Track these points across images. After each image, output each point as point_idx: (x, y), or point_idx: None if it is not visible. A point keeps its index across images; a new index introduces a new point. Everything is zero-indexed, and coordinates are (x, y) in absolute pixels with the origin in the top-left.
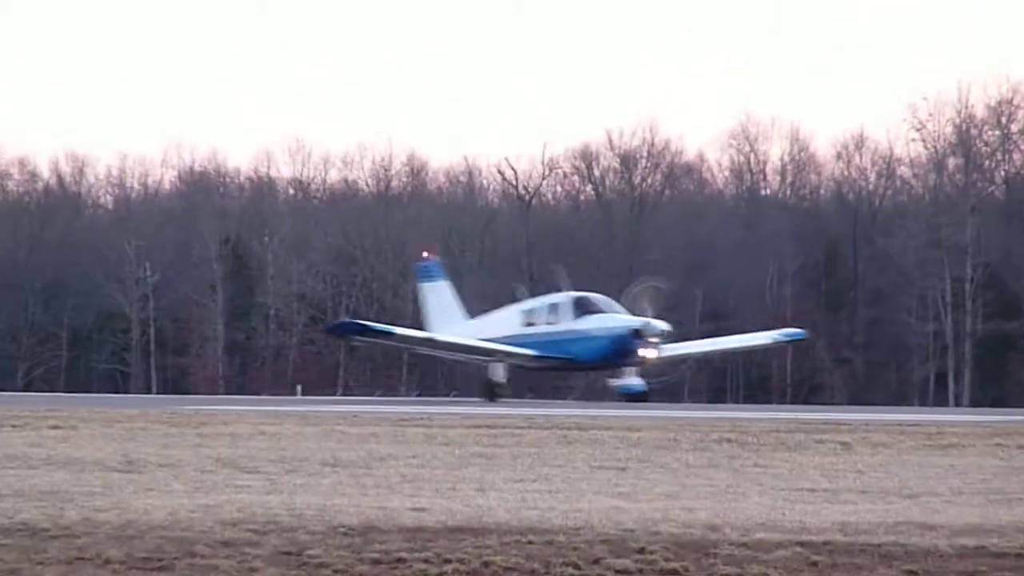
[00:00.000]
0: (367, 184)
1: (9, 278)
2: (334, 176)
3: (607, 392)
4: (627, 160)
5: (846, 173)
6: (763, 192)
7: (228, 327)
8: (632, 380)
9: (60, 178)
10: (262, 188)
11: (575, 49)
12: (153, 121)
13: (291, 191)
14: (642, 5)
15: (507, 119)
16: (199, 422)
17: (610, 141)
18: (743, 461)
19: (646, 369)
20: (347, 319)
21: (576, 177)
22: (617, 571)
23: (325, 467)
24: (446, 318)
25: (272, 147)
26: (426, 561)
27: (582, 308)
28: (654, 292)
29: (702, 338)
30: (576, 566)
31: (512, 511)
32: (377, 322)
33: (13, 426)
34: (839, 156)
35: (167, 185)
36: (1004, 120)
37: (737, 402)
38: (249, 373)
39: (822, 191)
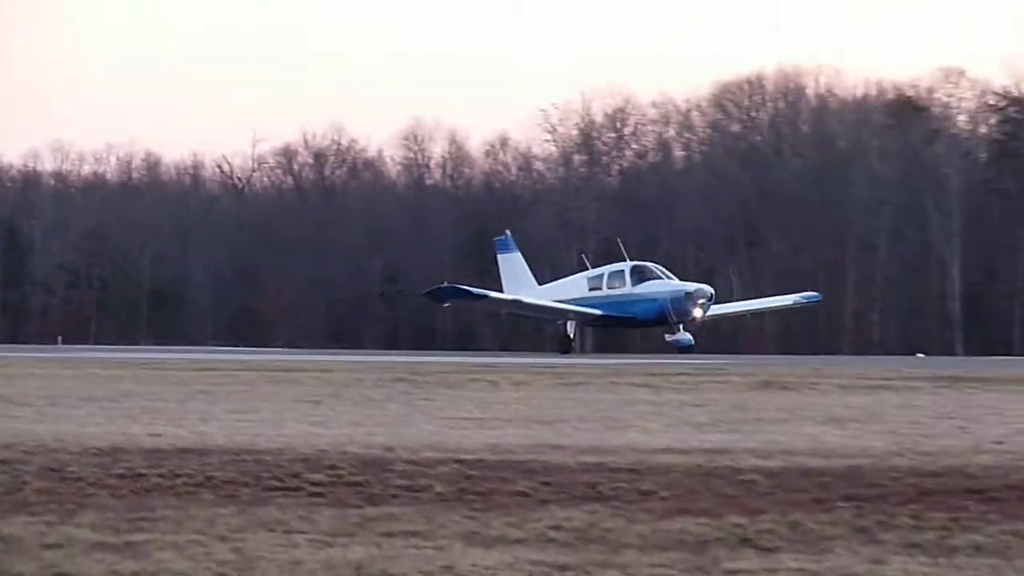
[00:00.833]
0: (113, 176)
1: None
2: (87, 170)
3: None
4: (319, 156)
5: (494, 167)
6: (428, 182)
7: (3, 291)
8: (683, 335)
9: None
10: (30, 180)
11: (276, 59)
12: None
13: (53, 182)
14: None
15: (226, 120)
16: None
17: (305, 140)
18: (413, 396)
19: (695, 326)
20: (448, 284)
21: (279, 170)
22: (312, 483)
23: (81, 401)
24: (520, 284)
25: (38, 146)
26: (161, 476)
27: (640, 275)
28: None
29: None
30: (280, 479)
31: (228, 436)
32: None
33: None
34: (488, 153)
35: None
36: (619, 125)
37: (409, 349)
38: (21, 327)
39: (474, 182)
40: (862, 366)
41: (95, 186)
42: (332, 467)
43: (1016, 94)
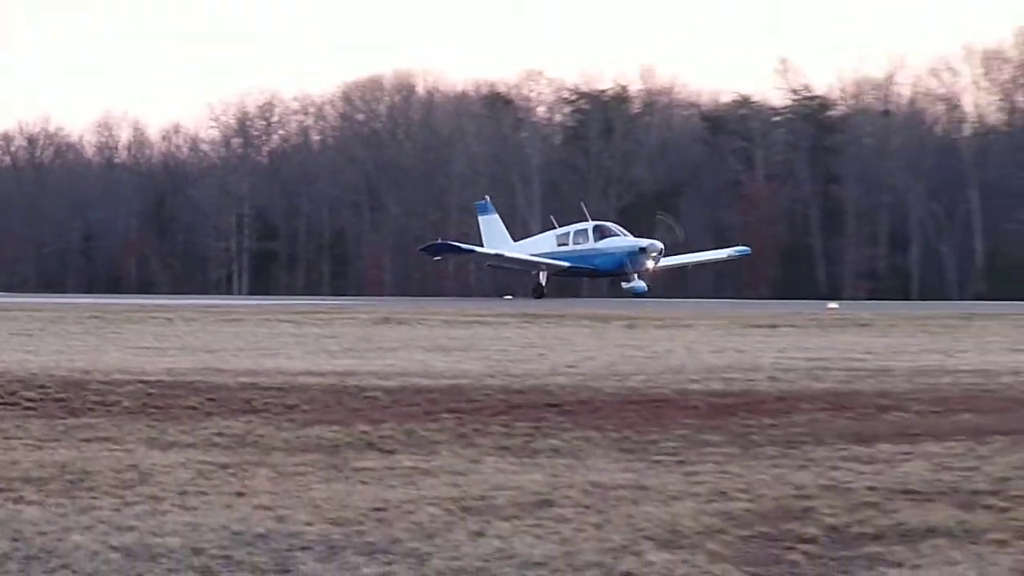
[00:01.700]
0: None
1: None
2: None
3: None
4: (31, 140)
5: (169, 149)
6: (116, 161)
7: None
8: (637, 283)
9: None
10: None
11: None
12: None
13: None
14: None
15: None
16: None
17: (20, 128)
18: (105, 330)
19: (646, 276)
20: (440, 241)
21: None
22: (26, 399)
23: None
24: (499, 241)
25: None
26: None
27: (601, 233)
28: (663, 224)
29: None
30: (0, 396)
31: None
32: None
33: None
34: (164, 137)
35: None
36: (267, 115)
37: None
38: None
39: (154, 160)
40: (462, 305)
41: None
42: (41, 386)
43: (585, 90)
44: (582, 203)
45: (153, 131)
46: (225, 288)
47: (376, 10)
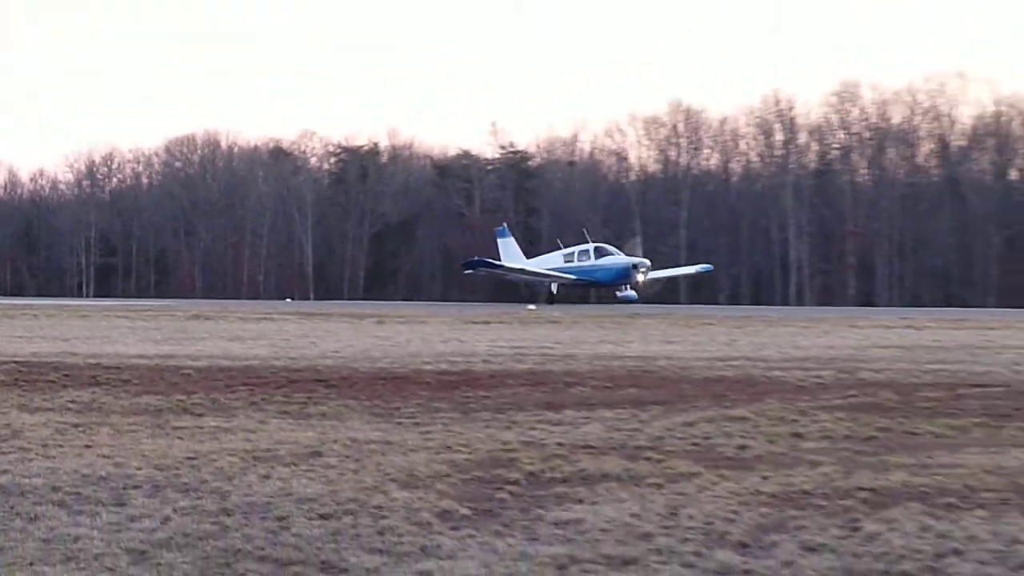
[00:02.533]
0: None
1: None
2: None
3: None
4: None
5: (38, 188)
6: None
7: None
8: (629, 292)
9: None
10: None
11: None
12: None
13: None
14: None
15: None
16: None
17: None
18: None
19: (638, 287)
20: (477, 259)
21: None
22: None
23: None
24: (515, 258)
25: None
26: None
27: (600, 252)
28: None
29: None
30: None
31: None
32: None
33: None
34: (32, 180)
35: None
36: (108, 166)
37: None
38: None
39: (24, 195)
40: (253, 306)
41: None
42: None
43: (346, 145)
44: (584, 229)
45: (24, 174)
46: (77, 292)
47: (190, 81)
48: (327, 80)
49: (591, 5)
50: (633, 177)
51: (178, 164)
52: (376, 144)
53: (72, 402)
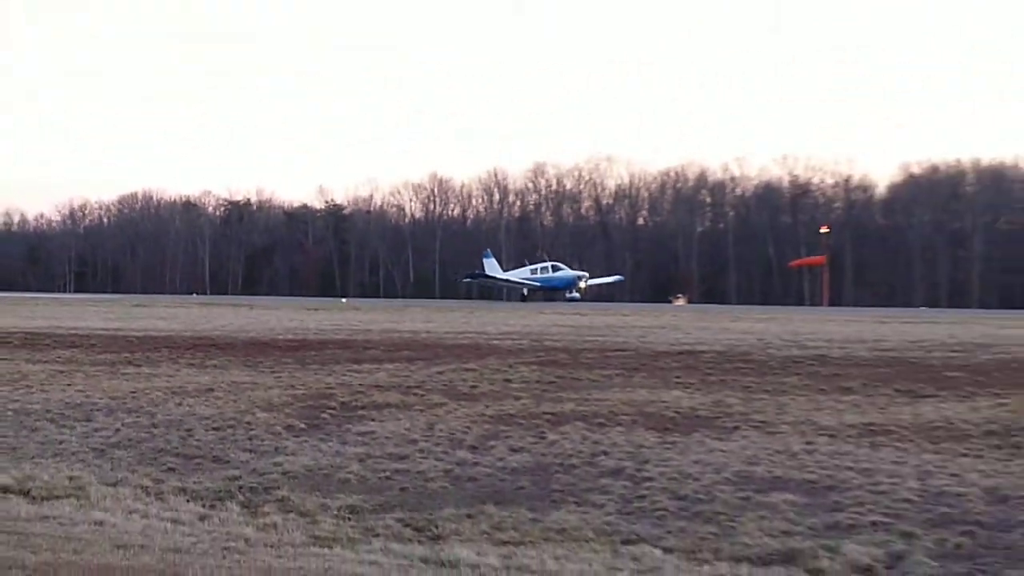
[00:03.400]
0: None
1: None
2: None
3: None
4: None
5: None
6: None
7: None
8: (575, 294)
9: None
10: None
11: None
12: None
13: None
14: None
15: None
16: None
17: None
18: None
19: (581, 291)
20: (478, 272)
21: None
22: None
23: None
24: (497, 271)
25: None
26: None
27: (555, 268)
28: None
29: None
30: None
31: None
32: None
33: None
34: None
35: None
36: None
37: None
38: None
39: None
40: (172, 299)
41: None
42: None
43: (230, 199)
44: (544, 252)
45: (30, 215)
46: (63, 290)
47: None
48: (220, 148)
49: (374, 106)
50: (407, 221)
51: (125, 211)
52: (248, 199)
53: (58, 358)
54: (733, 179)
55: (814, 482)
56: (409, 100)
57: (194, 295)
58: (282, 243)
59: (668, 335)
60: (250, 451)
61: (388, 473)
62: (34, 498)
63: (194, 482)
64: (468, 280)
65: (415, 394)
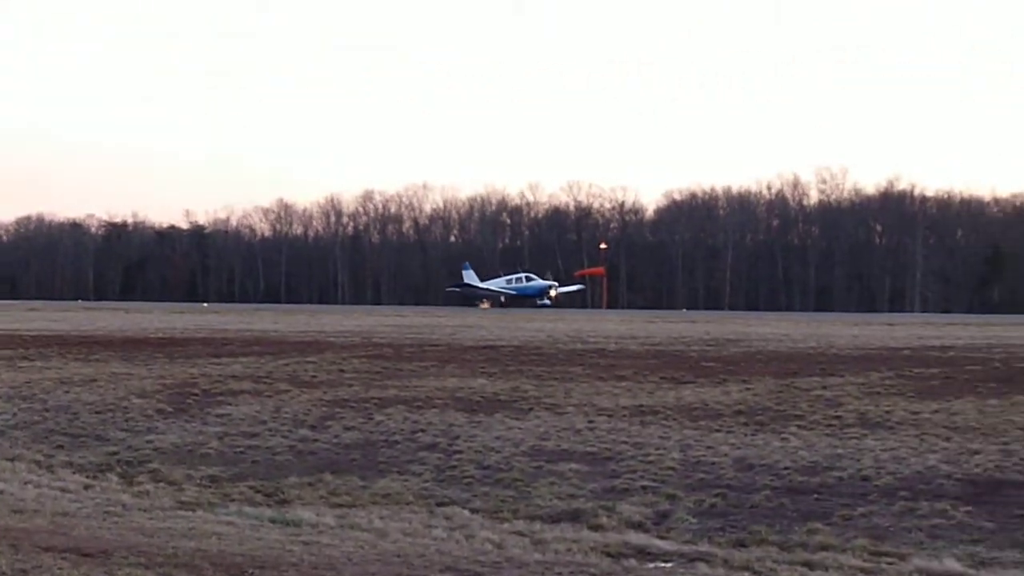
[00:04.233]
0: None
1: None
2: None
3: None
4: None
5: None
6: None
7: None
8: (546, 301)
9: None
10: None
11: None
12: None
13: None
14: None
15: None
16: None
17: None
18: None
19: (552, 298)
20: (463, 282)
21: None
22: None
23: None
24: (476, 281)
25: None
26: None
27: (528, 278)
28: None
29: None
30: None
31: None
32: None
33: None
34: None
35: None
36: None
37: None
38: None
39: None
40: (62, 304)
41: None
42: None
43: (109, 221)
44: (519, 265)
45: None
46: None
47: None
48: (109, 172)
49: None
50: (258, 239)
51: (21, 230)
52: (125, 221)
53: None
54: (528, 204)
55: (595, 454)
56: (263, 132)
57: (79, 301)
58: (153, 257)
59: (474, 333)
60: (127, 431)
61: (242, 448)
62: None
63: (79, 457)
64: (452, 290)
65: (265, 382)
